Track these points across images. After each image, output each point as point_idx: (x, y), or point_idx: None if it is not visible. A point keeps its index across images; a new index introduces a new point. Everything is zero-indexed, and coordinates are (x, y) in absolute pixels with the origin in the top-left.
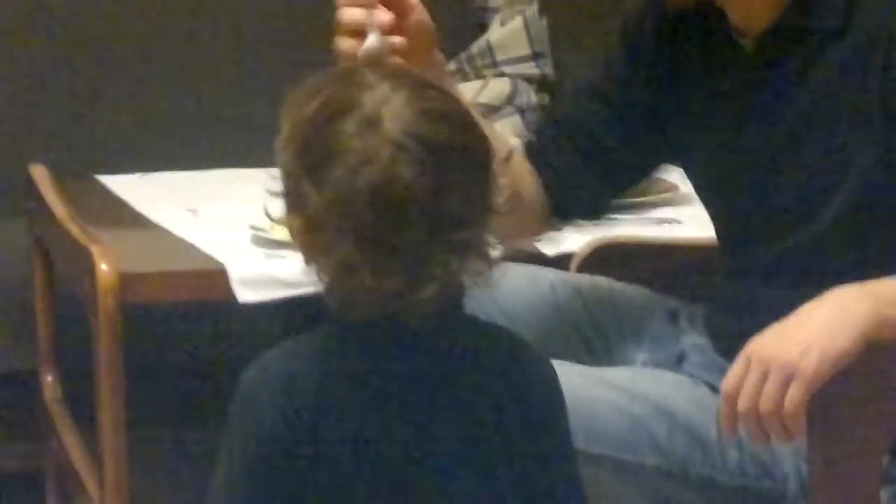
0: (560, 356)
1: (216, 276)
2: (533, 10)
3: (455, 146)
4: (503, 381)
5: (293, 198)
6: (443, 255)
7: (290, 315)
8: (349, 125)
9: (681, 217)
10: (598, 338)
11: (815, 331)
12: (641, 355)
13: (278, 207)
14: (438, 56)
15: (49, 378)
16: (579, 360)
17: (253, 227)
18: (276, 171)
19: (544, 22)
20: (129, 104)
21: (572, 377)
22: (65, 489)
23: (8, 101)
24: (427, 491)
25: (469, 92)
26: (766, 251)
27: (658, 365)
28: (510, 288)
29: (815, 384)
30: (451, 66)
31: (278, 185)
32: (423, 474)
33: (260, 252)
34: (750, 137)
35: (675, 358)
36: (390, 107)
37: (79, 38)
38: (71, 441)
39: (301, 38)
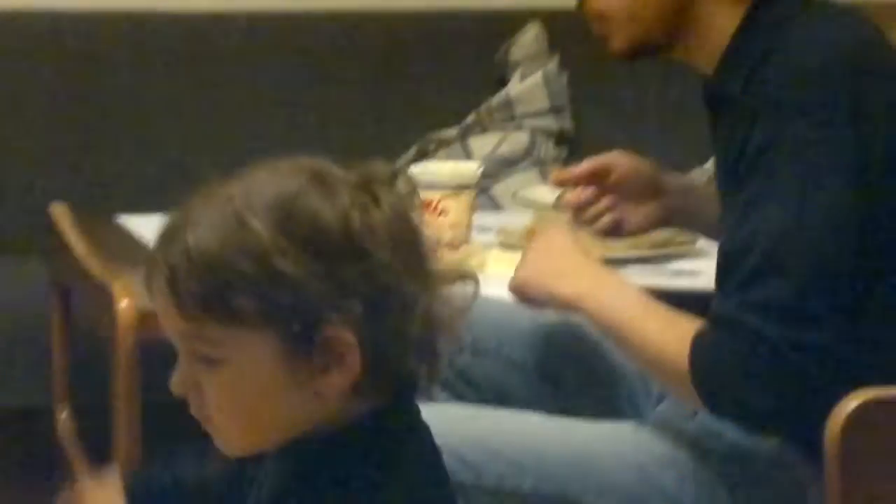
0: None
1: None
2: (553, 65)
3: None
4: None
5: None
6: None
7: None
8: (319, 193)
9: (699, 269)
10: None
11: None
12: (661, 407)
13: None
14: (665, 181)
15: (64, 415)
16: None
17: None
18: None
19: (564, 77)
20: (150, 145)
21: (577, 433)
22: None
23: (28, 142)
24: None
25: (488, 145)
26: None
27: (674, 416)
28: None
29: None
30: (470, 118)
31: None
32: None
33: None
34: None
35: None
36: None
37: (101, 81)
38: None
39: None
